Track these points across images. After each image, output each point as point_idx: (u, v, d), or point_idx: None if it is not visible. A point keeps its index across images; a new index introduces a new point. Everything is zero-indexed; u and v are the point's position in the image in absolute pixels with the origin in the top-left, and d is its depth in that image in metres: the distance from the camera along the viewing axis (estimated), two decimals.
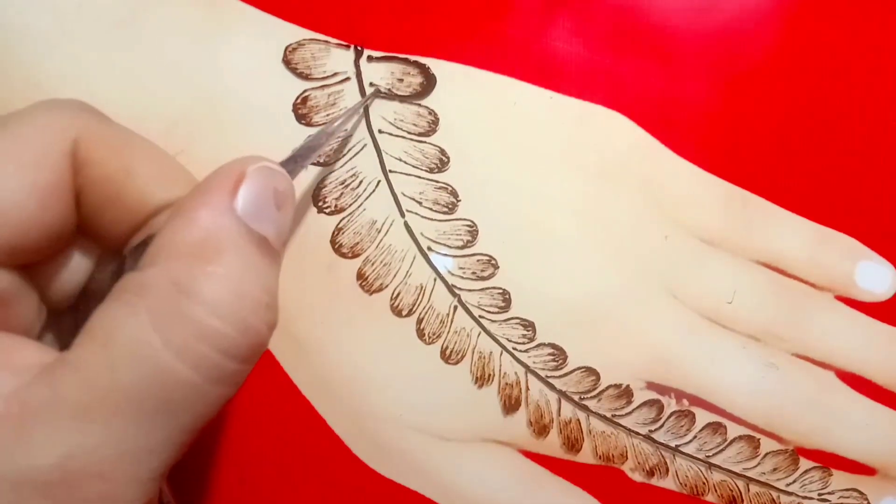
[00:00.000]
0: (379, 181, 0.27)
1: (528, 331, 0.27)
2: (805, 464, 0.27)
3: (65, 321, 0.19)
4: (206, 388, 0.16)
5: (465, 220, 0.27)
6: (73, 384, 0.15)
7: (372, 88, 0.26)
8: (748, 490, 0.27)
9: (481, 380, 0.27)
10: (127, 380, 0.15)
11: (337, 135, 0.25)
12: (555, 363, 0.27)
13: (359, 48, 0.26)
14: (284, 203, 0.18)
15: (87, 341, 0.16)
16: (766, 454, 0.27)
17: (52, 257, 0.19)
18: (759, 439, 0.27)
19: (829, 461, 0.27)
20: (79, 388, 0.15)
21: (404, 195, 0.27)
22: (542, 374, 0.27)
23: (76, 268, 0.19)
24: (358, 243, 0.26)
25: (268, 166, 0.18)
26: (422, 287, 0.27)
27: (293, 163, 0.22)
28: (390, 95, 0.26)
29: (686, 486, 0.27)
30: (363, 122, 0.27)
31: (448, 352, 0.27)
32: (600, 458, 0.27)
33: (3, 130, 0.17)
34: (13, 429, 0.15)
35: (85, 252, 0.19)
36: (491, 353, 0.27)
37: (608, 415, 0.27)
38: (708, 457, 0.27)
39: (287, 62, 0.26)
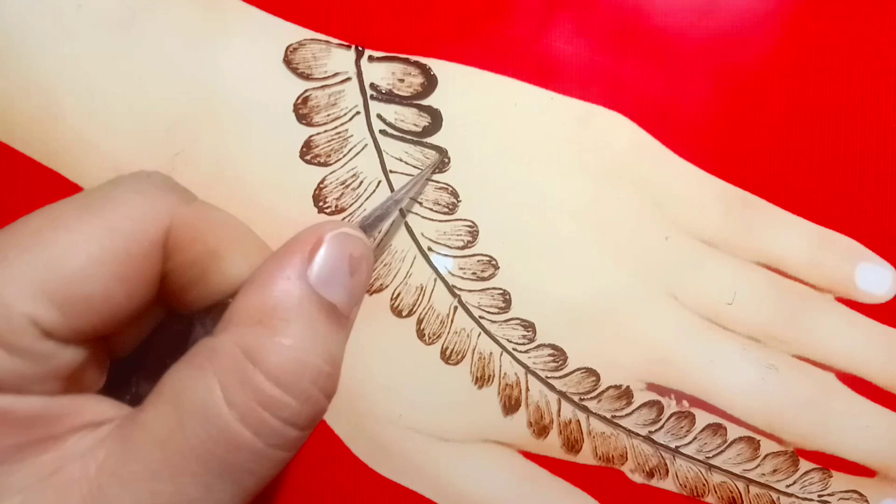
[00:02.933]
0: (379, 181, 0.27)
1: (528, 331, 0.27)
2: (805, 465, 0.27)
3: (121, 367, 0.19)
4: (266, 451, 0.16)
5: (465, 220, 0.27)
6: (145, 444, 0.16)
7: (435, 157, 0.26)
8: (748, 491, 0.27)
9: (481, 380, 0.27)
10: (195, 440, 0.16)
11: (409, 197, 0.26)
12: (555, 364, 0.27)
13: (360, 48, 0.26)
14: (359, 268, 0.18)
15: (159, 402, 0.16)
16: (766, 455, 0.27)
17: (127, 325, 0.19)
18: (759, 440, 0.27)
19: (828, 463, 0.27)
20: (150, 448, 0.16)
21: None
22: (543, 374, 0.27)
23: (145, 323, 0.20)
24: None
25: (345, 232, 0.18)
26: (422, 287, 0.27)
27: (370, 225, 0.22)
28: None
29: (686, 487, 0.27)
30: (365, 122, 0.27)
31: (448, 352, 0.27)
32: (600, 458, 0.27)
33: (93, 212, 0.17)
34: (90, 489, 0.15)
35: (155, 310, 0.20)
36: (491, 353, 0.27)
37: (608, 416, 0.27)
38: (708, 458, 0.27)
39: (288, 62, 0.26)
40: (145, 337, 0.19)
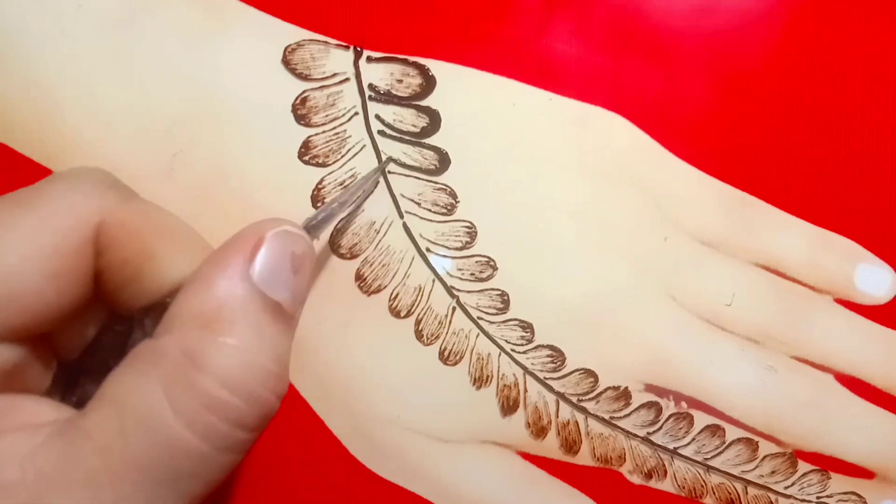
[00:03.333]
0: (377, 182, 0.27)
1: (526, 332, 0.27)
2: (803, 467, 0.27)
3: (69, 369, 0.19)
4: (214, 456, 0.16)
5: (463, 221, 0.27)
6: (86, 450, 0.15)
7: (386, 158, 0.26)
8: (746, 493, 0.27)
9: (479, 381, 0.27)
10: (138, 447, 0.15)
11: (355, 200, 0.25)
12: (553, 365, 0.27)
13: (358, 49, 0.26)
14: (302, 266, 0.18)
15: (100, 407, 0.16)
16: (765, 457, 0.27)
17: (63, 323, 0.19)
18: (757, 442, 0.27)
19: (827, 464, 0.27)
20: (91, 455, 0.15)
21: (403, 196, 0.27)
22: (541, 375, 0.27)
23: (87, 324, 0.19)
24: (356, 244, 0.26)
25: (286, 230, 0.18)
26: (420, 288, 0.27)
27: (314, 226, 0.22)
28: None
29: (684, 488, 0.27)
30: (363, 123, 0.27)
31: (446, 353, 0.27)
32: (598, 459, 0.27)
33: (25, 209, 0.17)
34: (28, 495, 0.15)
35: (97, 311, 0.19)
36: (489, 354, 0.27)
37: (606, 417, 0.27)
38: (706, 459, 0.27)
39: (286, 62, 0.26)
40: (91, 338, 0.19)
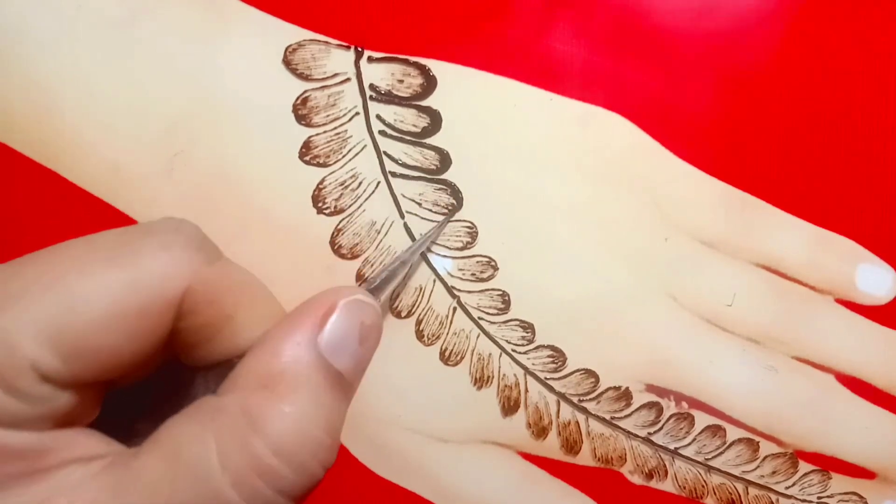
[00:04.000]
0: (378, 182, 0.27)
1: (527, 332, 0.27)
2: (804, 467, 0.27)
3: (118, 399, 0.19)
4: None
5: (464, 221, 0.27)
6: (135, 491, 0.16)
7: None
8: (747, 493, 0.27)
9: (480, 381, 0.27)
10: (183, 496, 0.16)
11: (414, 259, 0.26)
12: (554, 365, 0.27)
13: (359, 49, 0.26)
14: (369, 337, 0.18)
15: (154, 450, 0.16)
16: (766, 457, 0.27)
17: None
18: (758, 442, 0.27)
19: (828, 464, 0.27)
20: (138, 495, 0.16)
21: (404, 196, 0.27)
22: (542, 375, 0.27)
23: (148, 364, 0.19)
24: (357, 244, 0.26)
25: (359, 300, 0.18)
26: (421, 288, 0.27)
27: (378, 287, 0.22)
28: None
29: (685, 488, 0.27)
30: (364, 123, 0.27)
31: (447, 353, 0.27)
32: (599, 460, 0.27)
33: (114, 263, 0.17)
34: None
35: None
36: (490, 354, 0.27)
37: (607, 417, 0.27)
38: (707, 459, 0.27)
39: (287, 63, 0.26)
40: (148, 376, 0.19)
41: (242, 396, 0.16)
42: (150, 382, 0.19)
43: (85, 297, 0.16)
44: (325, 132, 0.26)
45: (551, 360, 0.27)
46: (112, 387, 0.19)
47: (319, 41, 0.26)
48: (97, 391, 0.18)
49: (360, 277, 0.26)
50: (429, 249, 0.27)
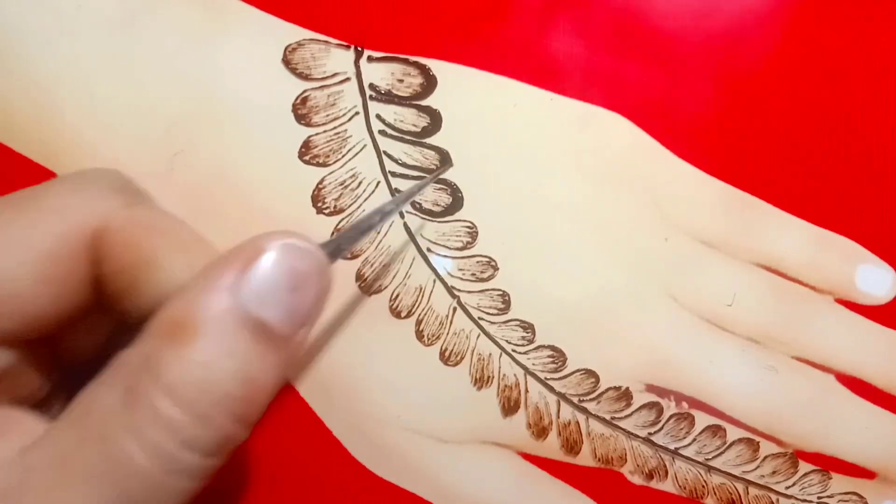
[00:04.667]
0: (378, 182, 0.27)
1: (527, 332, 0.27)
2: (804, 467, 0.27)
3: (75, 376, 0.18)
4: (161, 479, 0.15)
5: (464, 221, 0.27)
6: (45, 462, 0.15)
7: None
8: (747, 493, 0.27)
9: (480, 381, 0.27)
10: (91, 461, 0.14)
11: (389, 217, 0.23)
12: (554, 365, 0.27)
13: (359, 48, 0.26)
14: (304, 285, 0.16)
15: (65, 417, 0.15)
16: (766, 457, 0.27)
17: (65, 328, 0.18)
18: (758, 442, 0.27)
19: (828, 464, 0.27)
20: (48, 467, 0.14)
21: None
22: (542, 375, 0.27)
23: (95, 331, 0.18)
24: (357, 244, 0.26)
25: (291, 244, 0.16)
26: (421, 288, 0.27)
27: (337, 244, 0.20)
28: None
29: (685, 488, 0.27)
30: (364, 122, 0.27)
31: (447, 353, 0.27)
32: (599, 460, 0.27)
33: (22, 210, 0.16)
34: None
35: (105, 318, 0.18)
36: (490, 354, 0.27)
37: (607, 417, 0.27)
38: (707, 459, 0.27)
39: (287, 62, 0.26)
40: (99, 346, 0.18)
41: (144, 344, 0.15)
42: (104, 356, 0.18)
43: None
44: (324, 132, 0.26)
45: (551, 360, 0.27)
46: (68, 358, 0.18)
47: (319, 41, 0.26)
48: (42, 358, 0.17)
49: (360, 277, 0.26)
50: (428, 249, 0.27)
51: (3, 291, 0.15)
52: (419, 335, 0.27)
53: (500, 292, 0.27)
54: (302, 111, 0.26)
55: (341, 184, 0.26)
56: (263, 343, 0.16)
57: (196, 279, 0.16)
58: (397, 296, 0.26)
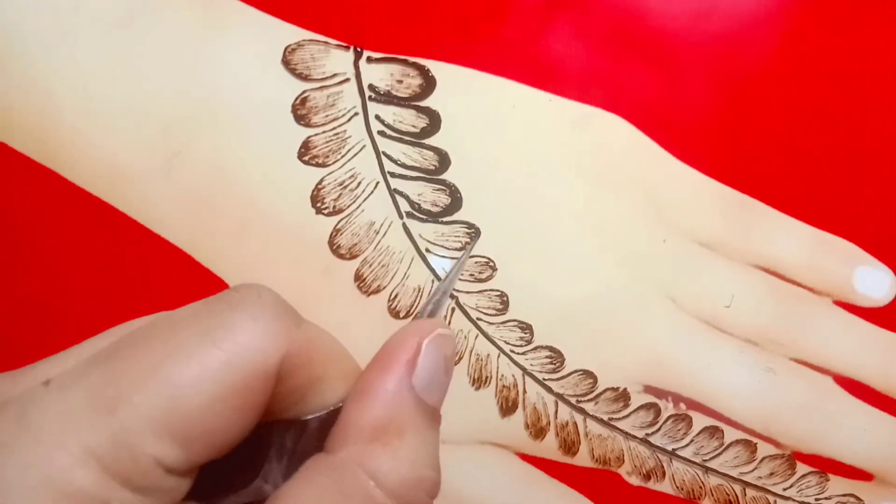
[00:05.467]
0: (377, 182, 0.27)
1: (525, 333, 0.27)
2: (802, 468, 0.27)
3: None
4: None
5: (463, 222, 0.27)
6: None
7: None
8: (745, 494, 0.27)
9: (478, 382, 0.27)
10: None
11: (460, 276, 0.26)
12: (552, 366, 0.27)
13: (358, 49, 0.26)
14: (451, 367, 0.19)
15: None
16: (763, 458, 0.27)
17: None
18: (756, 444, 0.27)
19: (826, 466, 0.27)
20: None
21: (402, 197, 0.27)
22: (540, 376, 0.27)
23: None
24: (356, 244, 0.26)
25: (441, 334, 0.19)
26: (420, 289, 0.27)
27: (433, 311, 0.23)
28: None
29: (683, 489, 0.27)
30: (363, 123, 0.27)
31: None
32: (597, 460, 0.27)
33: (213, 343, 0.17)
34: None
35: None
36: (488, 355, 0.27)
37: (605, 418, 0.27)
38: (705, 461, 0.27)
39: (286, 63, 0.26)
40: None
41: (356, 450, 0.17)
42: (243, 458, 0.19)
43: (189, 385, 0.16)
44: (324, 132, 0.26)
45: (549, 360, 0.27)
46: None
47: (319, 41, 0.26)
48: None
49: (359, 277, 0.26)
50: (427, 250, 0.27)
51: (203, 427, 0.16)
52: None
53: (499, 293, 0.27)
54: (301, 111, 0.26)
55: (340, 184, 0.26)
56: (437, 425, 0.18)
57: (375, 381, 0.18)
58: (396, 296, 0.27)
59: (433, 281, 0.27)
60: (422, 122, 0.27)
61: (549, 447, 0.27)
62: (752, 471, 0.27)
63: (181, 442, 0.16)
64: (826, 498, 0.27)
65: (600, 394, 0.27)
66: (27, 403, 0.15)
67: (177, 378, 0.16)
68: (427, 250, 0.27)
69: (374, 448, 0.17)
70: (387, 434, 0.17)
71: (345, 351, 0.20)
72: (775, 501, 0.27)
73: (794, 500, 0.27)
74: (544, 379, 0.27)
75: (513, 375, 0.27)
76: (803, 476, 0.27)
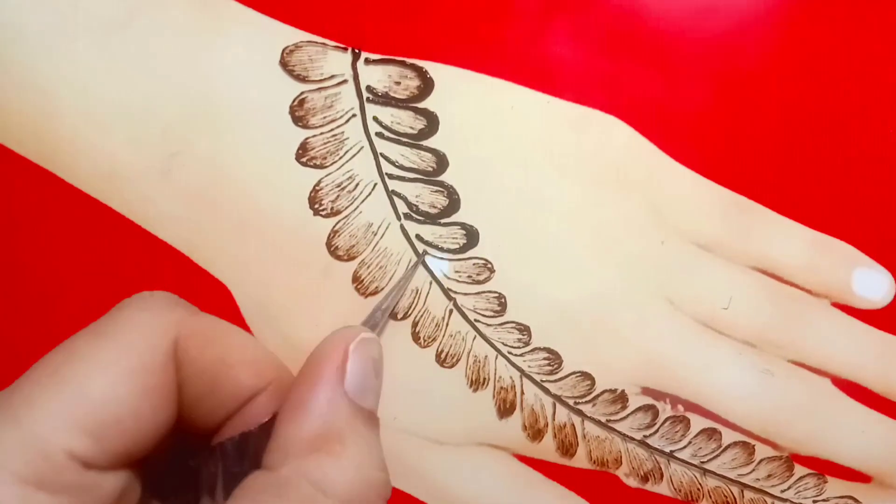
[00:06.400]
0: (375, 184, 0.27)
1: (523, 335, 0.27)
2: (800, 470, 0.27)
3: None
4: None
5: (461, 223, 0.27)
6: None
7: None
8: (743, 496, 0.27)
9: (476, 383, 0.27)
10: None
11: (403, 291, 0.26)
12: (550, 367, 0.27)
13: (356, 51, 0.26)
14: (380, 370, 0.19)
15: None
16: (761, 460, 0.27)
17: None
18: (753, 445, 0.27)
19: (823, 468, 0.27)
20: None
21: (400, 198, 0.27)
22: (537, 378, 0.27)
23: (162, 451, 0.20)
24: (354, 246, 0.26)
25: (366, 338, 0.19)
26: (417, 290, 0.27)
27: (373, 324, 0.23)
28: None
29: (680, 491, 0.27)
30: (361, 125, 0.27)
31: (443, 355, 0.27)
32: (595, 462, 0.27)
33: (105, 337, 0.17)
34: None
35: (171, 439, 0.20)
36: (486, 356, 0.27)
37: (603, 420, 0.27)
38: (703, 463, 0.27)
39: (284, 64, 0.26)
40: (165, 466, 0.20)
41: (298, 464, 0.17)
42: (178, 476, 0.19)
43: (86, 375, 0.16)
44: (321, 134, 0.26)
45: (547, 362, 0.27)
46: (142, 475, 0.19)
47: (316, 43, 0.26)
48: (133, 482, 0.18)
49: (356, 279, 0.26)
50: (425, 252, 0.27)
51: (110, 414, 0.17)
52: (415, 337, 0.27)
53: (497, 295, 0.27)
54: (299, 113, 0.26)
55: (338, 186, 0.26)
56: (374, 426, 0.18)
57: (306, 392, 0.18)
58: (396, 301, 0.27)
59: (431, 282, 0.27)
60: (420, 123, 0.26)
61: (546, 449, 0.27)
62: (750, 472, 0.27)
63: (91, 432, 0.16)
64: (824, 500, 0.27)
65: (598, 395, 0.27)
66: None
67: (74, 373, 0.16)
68: (425, 252, 0.27)
69: (316, 458, 0.17)
70: (328, 442, 0.17)
71: (247, 335, 0.20)
72: (773, 503, 0.27)
73: (791, 502, 0.27)
74: (542, 380, 0.27)
75: (510, 377, 0.27)
76: (801, 478, 0.27)
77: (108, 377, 0.17)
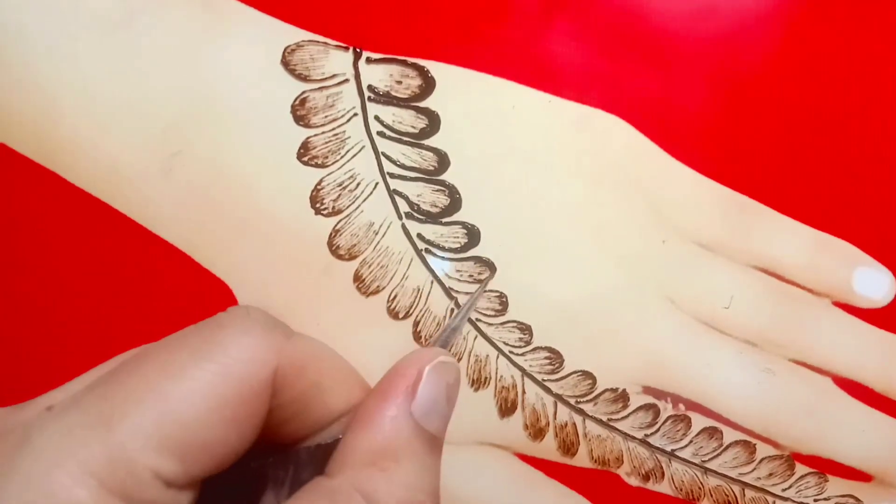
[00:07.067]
0: (377, 183, 0.27)
1: (524, 334, 0.27)
2: (801, 469, 0.27)
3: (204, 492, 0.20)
4: None
5: (462, 222, 0.27)
6: None
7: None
8: (744, 495, 0.27)
9: (477, 383, 0.27)
10: None
11: (468, 310, 0.26)
12: (551, 367, 0.27)
13: (357, 50, 0.26)
14: (453, 395, 0.19)
15: None
16: (762, 459, 0.27)
17: None
18: (755, 444, 0.27)
19: (825, 467, 0.27)
20: None
21: (402, 197, 0.27)
22: (539, 377, 0.27)
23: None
24: (355, 245, 0.26)
25: (443, 362, 0.19)
26: (419, 290, 0.27)
27: (445, 341, 0.23)
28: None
29: (682, 490, 0.27)
30: (362, 124, 0.27)
31: None
32: (596, 461, 0.27)
33: (205, 360, 0.17)
34: None
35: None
36: (487, 356, 0.27)
37: (604, 418, 0.27)
38: (704, 461, 0.27)
39: (286, 63, 0.26)
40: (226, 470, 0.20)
41: (353, 475, 0.17)
42: (247, 477, 0.19)
43: (182, 398, 0.16)
44: (323, 133, 0.26)
45: (548, 361, 0.27)
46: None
47: (318, 42, 0.26)
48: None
49: (358, 278, 0.26)
50: (426, 251, 0.27)
51: (199, 439, 0.17)
52: (416, 336, 0.27)
53: (498, 294, 0.27)
54: (300, 112, 0.26)
55: (340, 185, 0.26)
56: (435, 451, 0.19)
57: (374, 407, 0.18)
58: (395, 297, 0.27)
59: (432, 282, 0.27)
60: (421, 122, 0.26)
61: (548, 448, 0.27)
62: (751, 471, 0.27)
63: (178, 455, 0.16)
64: (825, 499, 0.27)
65: (599, 394, 0.27)
66: (30, 427, 0.16)
67: (171, 393, 0.16)
68: (426, 251, 0.27)
69: (370, 472, 0.17)
70: (383, 459, 0.17)
71: (340, 358, 0.20)
72: (774, 502, 0.27)
73: (792, 501, 0.27)
74: (543, 380, 0.27)
75: (512, 376, 0.27)
76: (802, 477, 0.27)
77: (204, 404, 0.17)
